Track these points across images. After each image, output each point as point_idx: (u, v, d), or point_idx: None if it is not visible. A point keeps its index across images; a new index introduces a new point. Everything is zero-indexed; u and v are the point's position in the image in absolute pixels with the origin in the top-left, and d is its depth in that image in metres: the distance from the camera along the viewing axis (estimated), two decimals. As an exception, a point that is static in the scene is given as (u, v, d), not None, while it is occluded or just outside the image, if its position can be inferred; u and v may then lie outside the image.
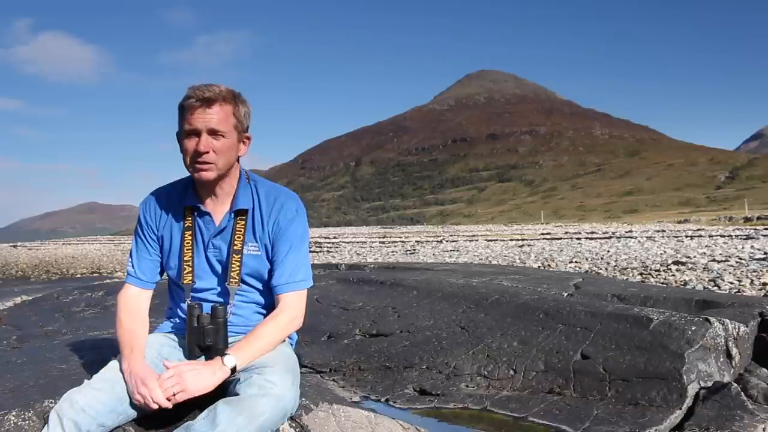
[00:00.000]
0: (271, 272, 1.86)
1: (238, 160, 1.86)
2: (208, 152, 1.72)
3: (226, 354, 1.67)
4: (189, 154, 1.74)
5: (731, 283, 7.59)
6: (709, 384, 2.32)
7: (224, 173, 1.80)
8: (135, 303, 1.87)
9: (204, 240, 1.86)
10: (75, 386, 1.63)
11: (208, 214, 1.86)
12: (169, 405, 1.59)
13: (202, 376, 1.61)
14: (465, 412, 2.40)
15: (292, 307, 1.84)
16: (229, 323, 1.78)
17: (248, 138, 1.85)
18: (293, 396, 1.64)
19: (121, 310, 1.85)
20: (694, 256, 12.24)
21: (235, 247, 1.83)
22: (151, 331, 1.93)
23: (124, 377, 1.66)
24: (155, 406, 1.59)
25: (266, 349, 1.74)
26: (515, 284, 4.18)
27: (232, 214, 1.85)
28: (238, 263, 1.82)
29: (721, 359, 2.50)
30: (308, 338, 3.47)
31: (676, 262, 11.12)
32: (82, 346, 2.67)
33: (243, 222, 1.85)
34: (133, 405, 1.64)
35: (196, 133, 1.72)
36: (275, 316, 1.82)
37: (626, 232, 29.04)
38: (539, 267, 11.52)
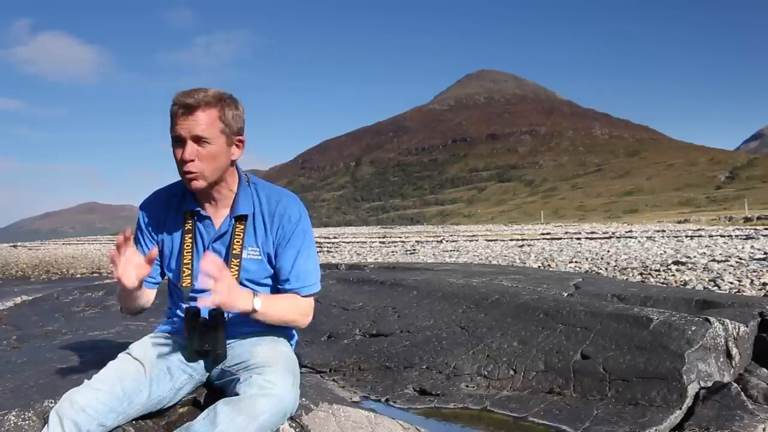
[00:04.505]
0: (280, 278, 1.85)
1: (233, 164, 1.81)
2: (193, 160, 1.68)
3: (257, 296, 1.67)
4: (177, 163, 1.72)
5: (731, 283, 7.58)
6: (709, 384, 2.31)
7: (217, 180, 1.76)
8: None
9: (204, 243, 1.85)
10: (75, 386, 1.62)
11: (209, 218, 1.84)
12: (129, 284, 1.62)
13: (237, 298, 1.61)
14: (465, 412, 2.40)
15: (309, 304, 1.87)
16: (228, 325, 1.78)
17: (241, 141, 1.80)
18: (293, 396, 1.64)
19: None
20: (694, 256, 12.22)
21: (233, 251, 1.80)
22: (150, 331, 1.94)
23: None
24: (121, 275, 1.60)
25: (281, 316, 1.78)
26: (515, 284, 4.18)
27: (233, 219, 1.83)
28: (236, 267, 1.80)
29: (721, 359, 2.49)
30: (308, 338, 3.47)
31: (676, 262, 11.11)
32: (82, 346, 2.67)
33: (242, 226, 1.82)
34: (132, 405, 1.64)
35: (181, 141, 1.69)
36: (296, 300, 1.84)
37: (626, 232, 29.03)
38: (539, 267, 11.51)
